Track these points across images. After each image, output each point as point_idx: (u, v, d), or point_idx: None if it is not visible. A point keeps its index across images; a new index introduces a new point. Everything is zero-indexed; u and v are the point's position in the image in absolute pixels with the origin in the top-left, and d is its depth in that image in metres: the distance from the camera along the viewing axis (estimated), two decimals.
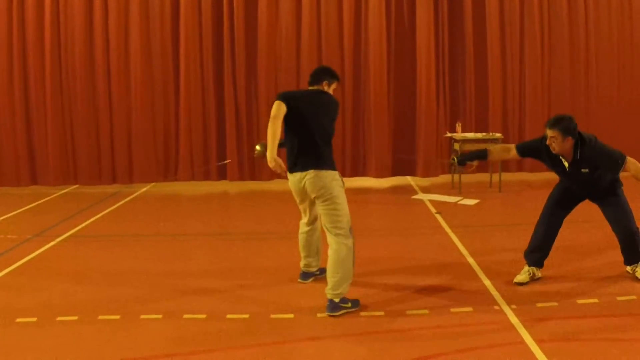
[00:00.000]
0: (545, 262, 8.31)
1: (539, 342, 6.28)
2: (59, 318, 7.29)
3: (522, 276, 8.16)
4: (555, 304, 7.39)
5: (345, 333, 6.74)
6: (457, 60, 16.64)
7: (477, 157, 8.29)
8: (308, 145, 7.54)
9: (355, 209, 13.43)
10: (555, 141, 7.62)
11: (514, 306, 7.30)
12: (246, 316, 7.27)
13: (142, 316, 7.33)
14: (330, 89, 7.91)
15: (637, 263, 8.21)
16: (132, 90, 16.30)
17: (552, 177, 15.15)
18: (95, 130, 16.38)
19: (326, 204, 7.47)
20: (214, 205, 14.71)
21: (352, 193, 14.93)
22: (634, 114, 16.70)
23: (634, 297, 7.55)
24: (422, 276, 8.48)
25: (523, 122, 16.47)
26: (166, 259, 9.76)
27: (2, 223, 12.50)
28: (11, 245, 10.69)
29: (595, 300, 7.47)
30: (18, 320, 7.27)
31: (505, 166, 15.95)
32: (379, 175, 16.52)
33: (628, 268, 8.29)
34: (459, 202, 13.54)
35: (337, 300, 7.32)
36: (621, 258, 8.39)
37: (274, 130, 7.33)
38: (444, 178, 16.39)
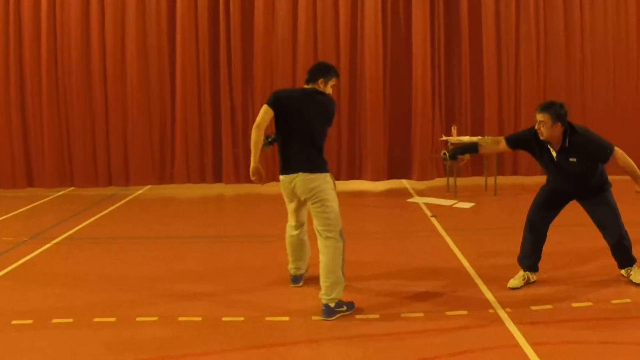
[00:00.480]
0: (540, 266, 8.32)
1: (534, 345, 6.29)
2: (55, 320, 7.29)
3: (516, 281, 8.16)
4: (550, 307, 7.41)
5: (340, 336, 6.75)
6: (453, 63, 16.67)
7: (468, 151, 8.24)
8: (298, 147, 7.55)
9: (351, 212, 13.58)
10: (544, 126, 7.60)
11: (508, 309, 7.32)
12: (241, 319, 7.28)
13: (138, 319, 7.33)
14: (328, 86, 7.80)
15: (631, 266, 8.21)
16: (128, 93, 16.30)
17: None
18: (91, 133, 16.37)
19: (316, 206, 7.50)
20: (209, 207, 14.73)
21: (347, 196, 15.00)
22: (629, 117, 16.73)
23: (628, 300, 7.57)
24: (417, 279, 8.50)
25: (518, 125, 16.45)
26: (162, 262, 9.76)
27: None
28: (7, 247, 10.69)
29: (590, 303, 7.48)
30: (14, 322, 7.28)
31: (501, 170, 15.99)
32: (375, 178, 16.53)
33: (622, 271, 8.28)
34: (455, 206, 13.56)
35: (332, 305, 7.33)
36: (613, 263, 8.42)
37: (255, 140, 7.53)
38: (440, 181, 16.41)
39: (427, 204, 13.71)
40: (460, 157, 8.23)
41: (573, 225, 10.99)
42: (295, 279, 8.44)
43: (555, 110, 7.61)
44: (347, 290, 7.61)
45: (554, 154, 7.82)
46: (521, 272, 8.25)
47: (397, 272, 8.94)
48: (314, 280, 8.31)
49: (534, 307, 7.39)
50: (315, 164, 7.51)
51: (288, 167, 7.64)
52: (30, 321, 7.29)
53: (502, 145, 8.16)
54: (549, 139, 7.73)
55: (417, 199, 14.36)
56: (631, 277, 8.16)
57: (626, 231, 8.10)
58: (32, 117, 16.30)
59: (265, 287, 8.36)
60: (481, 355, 6.21)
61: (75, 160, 16.43)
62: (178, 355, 6.36)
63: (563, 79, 16.67)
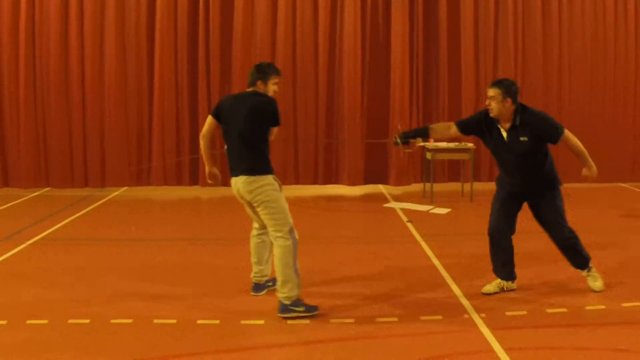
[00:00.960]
0: (516, 272, 8.32)
1: (508, 350, 6.31)
2: (29, 321, 7.25)
3: (491, 287, 8.15)
4: (524, 312, 7.44)
5: (315, 340, 6.75)
6: (431, 70, 16.75)
7: (419, 135, 8.19)
8: (238, 151, 7.65)
9: (327, 217, 13.62)
10: (495, 100, 7.59)
11: (483, 315, 7.34)
12: (217, 322, 7.27)
13: (113, 320, 7.30)
14: (269, 86, 7.82)
15: (587, 266, 8.22)
16: (105, 94, 16.25)
17: None
18: (68, 133, 16.30)
19: (261, 208, 7.58)
20: (185, 210, 14.71)
21: (324, 200, 15.02)
22: (604, 127, 16.89)
23: (602, 306, 7.62)
24: (392, 284, 8.51)
25: None
26: (137, 264, 9.73)
27: None
28: None
29: (564, 309, 7.52)
30: None
31: (477, 176, 16.05)
32: (352, 183, 16.57)
33: (583, 273, 8.27)
34: (431, 211, 13.59)
35: (287, 302, 7.40)
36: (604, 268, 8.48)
37: (202, 149, 7.99)
38: (416, 187, 16.43)
39: (403, 209, 13.73)
40: (412, 141, 8.13)
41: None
42: (257, 287, 8.27)
43: (505, 85, 7.62)
44: (323, 295, 7.63)
45: (504, 134, 7.74)
46: (498, 280, 8.22)
47: (372, 277, 8.94)
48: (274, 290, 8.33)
49: (508, 313, 7.42)
50: (256, 167, 7.56)
51: (232, 170, 7.76)
52: (4, 321, 7.24)
53: (453, 130, 8.09)
54: (499, 116, 7.68)
55: (393, 204, 14.38)
56: (589, 284, 8.19)
57: (572, 230, 8.07)
58: (9, 116, 16.22)
59: (241, 290, 8.34)
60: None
61: (52, 161, 16.36)
62: (153, 357, 6.34)
63: (540, 84, 16.79)
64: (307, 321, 7.25)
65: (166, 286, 8.48)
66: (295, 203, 14.98)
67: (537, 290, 8.25)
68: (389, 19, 16.50)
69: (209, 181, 8.10)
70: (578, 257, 8.19)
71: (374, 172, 16.75)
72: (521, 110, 7.70)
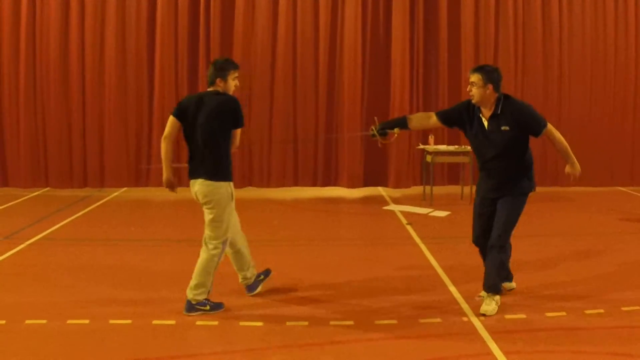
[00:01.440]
0: (514, 275, 8.31)
1: (507, 354, 6.31)
2: (28, 321, 7.25)
3: (490, 307, 7.64)
4: (524, 316, 7.43)
5: (313, 342, 6.74)
6: (431, 73, 16.75)
7: (397, 125, 8.05)
8: (199, 153, 7.58)
9: (326, 219, 13.62)
10: (475, 86, 7.52)
11: (482, 318, 7.34)
12: (215, 323, 7.27)
13: (111, 321, 7.30)
14: (229, 82, 7.64)
15: (491, 295, 7.63)
16: (105, 95, 16.26)
17: None
18: (67, 133, 16.32)
19: (207, 212, 7.59)
20: (183, 211, 14.68)
21: (323, 203, 15.02)
22: (603, 130, 16.91)
23: (601, 310, 7.60)
24: (391, 286, 8.50)
25: None
26: (136, 264, 9.73)
27: None
28: None
29: (564, 313, 7.51)
30: None
31: (477, 179, 16.03)
32: (351, 185, 16.57)
33: (482, 293, 7.75)
34: (430, 214, 13.59)
35: (193, 302, 7.52)
36: (591, 272, 8.44)
37: (164, 152, 7.73)
38: (416, 189, 16.44)
39: (402, 212, 13.73)
40: (389, 132, 8.05)
41: (545, 236, 11.10)
42: (248, 288, 8.26)
43: (487, 71, 7.56)
44: (322, 297, 7.64)
45: (485, 123, 7.62)
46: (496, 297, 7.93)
47: (371, 279, 8.94)
48: (283, 290, 8.34)
49: (507, 316, 7.42)
50: (215, 172, 7.52)
51: (191, 173, 7.71)
52: (3, 321, 7.23)
53: (433, 120, 8.00)
54: (480, 103, 7.59)
55: (392, 207, 14.38)
56: (481, 308, 7.55)
57: (507, 244, 7.76)
58: (9, 116, 16.24)
59: (238, 292, 8.33)
60: None
61: (51, 161, 16.38)
62: (151, 357, 6.34)
63: (540, 90, 16.80)
64: (305, 323, 7.25)
65: (165, 287, 8.47)
66: (294, 205, 15.00)
67: (536, 294, 8.24)
68: (389, 19, 16.51)
69: (166, 187, 7.92)
70: (491, 277, 7.65)
71: (374, 175, 16.76)
72: (504, 99, 7.60)
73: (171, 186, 7.84)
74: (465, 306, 7.77)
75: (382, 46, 16.62)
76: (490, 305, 7.57)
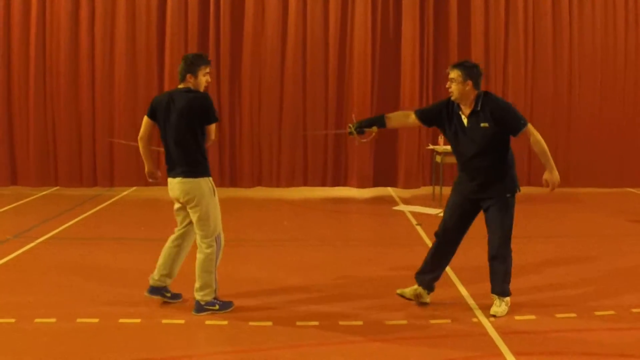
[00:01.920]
0: (524, 276, 8.30)
1: (517, 354, 6.30)
2: (38, 320, 7.26)
3: (408, 291, 7.82)
4: (533, 317, 7.41)
5: (323, 342, 6.73)
6: (441, 73, 16.64)
7: (375, 123, 7.96)
8: (174, 151, 7.56)
9: (335, 219, 13.61)
10: (455, 82, 7.45)
11: (492, 319, 7.32)
12: (225, 323, 7.27)
13: (121, 320, 7.31)
14: (199, 77, 7.63)
15: (503, 297, 7.63)
16: (115, 94, 16.27)
17: (534, 192, 15.15)
18: (77, 132, 16.34)
19: (193, 211, 7.56)
20: None
21: (332, 203, 15.02)
22: (614, 132, 16.84)
23: (611, 312, 7.58)
24: (401, 287, 8.47)
25: None
26: (145, 264, 9.69)
27: None
28: None
29: (574, 314, 7.49)
30: None
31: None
32: (360, 185, 16.56)
33: (494, 296, 7.69)
34: (440, 214, 13.50)
35: (202, 303, 7.53)
36: (601, 274, 8.41)
37: (141, 151, 7.80)
38: (426, 190, 16.42)
39: (412, 212, 13.71)
40: (367, 130, 7.96)
41: (555, 237, 11.07)
42: (152, 290, 7.90)
43: (466, 67, 7.50)
44: (331, 297, 7.62)
45: (465, 120, 7.54)
46: (416, 286, 7.89)
47: (381, 279, 8.93)
48: (293, 290, 8.33)
49: (517, 317, 7.40)
50: (192, 169, 7.49)
51: (168, 171, 7.68)
52: (13, 320, 7.25)
53: (412, 118, 7.95)
54: (460, 100, 7.52)
55: (402, 207, 14.37)
56: (492, 309, 7.56)
57: (508, 252, 7.66)
58: (19, 115, 16.27)
59: (249, 292, 8.34)
60: None
61: (61, 160, 16.39)
62: (161, 357, 6.35)
63: (550, 91, 16.73)
64: (315, 323, 7.25)
65: (174, 286, 8.46)
66: (304, 205, 14.99)
67: (546, 295, 8.22)
68: (399, 19, 16.49)
69: (149, 180, 8.02)
70: (498, 282, 7.65)
71: (383, 175, 16.73)
72: (484, 95, 7.53)
73: (154, 177, 7.94)
74: (475, 306, 7.75)
75: (392, 46, 16.59)
76: (500, 306, 7.55)
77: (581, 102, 16.85)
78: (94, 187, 16.43)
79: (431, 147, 15.53)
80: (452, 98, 7.55)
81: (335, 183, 16.74)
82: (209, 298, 7.52)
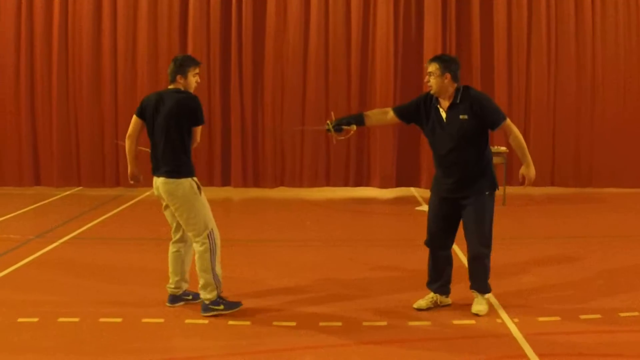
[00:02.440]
0: (548, 277, 8.26)
1: (541, 356, 6.26)
2: (60, 319, 7.28)
3: (424, 302, 7.77)
4: (558, 318, 7.36)
5: (346, 343, 6.72)
6: (463, 72, 16.51)
7: (354, 121, 7.81)
8: (160, 151, 7.57)
9: (358, 219, 13.60)
10: (433, 76, 7.38)
11: (516, 320, 7.28)
12: (248, 323, 7.26)
13: (144, 320, 7.33)
14: (189, 78, 7.67)
15: (482, 294, 7.69)
16: (138, 94, 16.25)
17: (556, 192, 15.10)
18: (99, 133, 16.40)
19: (179, 212, 7.56)
20: (216, 211, 14.59)
21: (355, 203, 15.01)
22: (638, 131, 16.66)
23: (636, 313, 7.51)
24: (424, 288, 8.41)
25: (528, 134, 16.37)
26: (167, 264, 9.72)
27: (4, 223, 12.50)
28: (13, 245, 10.69)
29: (598, 316, 7.44)
30: (19, 320, 7.27)
31: (510, 180, 15.91)
32: (383, 185, 16.51)
33: (475, 293, 7.74)
34: None
35: (207, 302, 7.48)
36: (624, 275, 8.35)
37: (127, 150, 7.84)
38: None
39: None
40: (345, 128, 7.80)
41: (577, 237, 11.02)
42: (171, 298, 7.90)
43: (444, 60, 7.47)
44: (355, 297, 7.64)
45: (443, 114, 7.47)
46: (431, 294, 7.86)
47: (404, 280, 8.90)
48: (315, 290, 8.32)
49: (541, 318, 7.35)
50: (175, 169, 7.49)
51: (153, 170, 7.70)
52: (36, 319, 7.28)
53: (390, 115, 7.85)
54: (439, 93, 7.45)
55: (425, 208, 14.28)
56: (473, 308, 7.60)
57: (488, 250, 7.63)
58: (42, 116, 16.37)
59: (272, 292, 8.34)
60: None
61: (83, 160, 16.46)
62: (184, 357, 6.37)
63: (573, 88, 16.59)
64: (339, 323, 7.23)
65: (195, 287, 8.46)
66: (327, 205, 14.99)
67: (570, 297, 8.16)
68: (421, 23, 16.43)
69: (131, 182, 8.07)
70: (478, 280, 7.68)
71: (406, 175, 16.67)
72: (463, 89, 7.48)
73: (136, 180, 7.99)
74: (499, 307, 7.70)
75: (414, 44, 16.53)
76: (482, 304, 7.60)
77: (604, 101, 16.71)
78: (116, 187, 16.47)
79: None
80: (431, 92, 7.50)
81: (358, 183, 16.70)
82: (211, 296, 7.46)
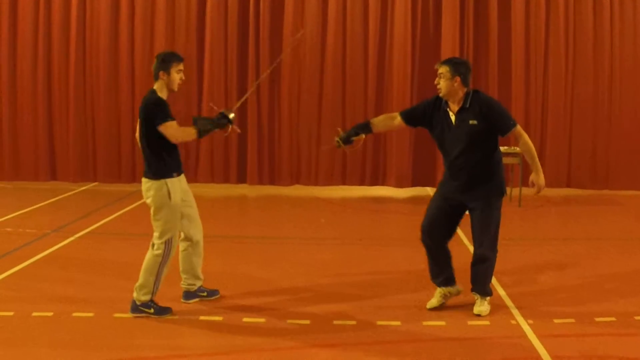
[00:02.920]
0: (563, 278, 8.24)
1: (555, 358, 6.26)
2: (75, 314, 7.32)
3: (435, 299, 7.79)
4: (572, 320, 7.34)
5: (360, 342, 6.72)
6: (481, 73, 16.59)
7: (361, 130, 7.86)
8: (143, 152, 7.56)
9: (373, 218, 13.58)
10: (443, 78, 7.38)
11: (530, 321, 7.26)
12: (262, 320, 7.27)
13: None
14: (172, 74, 7.67)
15: (484, 297, 7.69)
16: None
17: (572, 194, 15.03)
18: (116, 129, 16.42)
19: (151, 212, 7.50)
20: (231, 208, 14.75)
21: (371, 202, 15.00)
22: None
23: None
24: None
25: (545, 136, 16.35)
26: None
27: (21, 217, 12.55)
28: (29, 239, 10.73)
29: (613, 318, 7.41)
30: (34, 314, 7.31)
31: (526, 181, 15.84)
32: (399, 185, 16.47)
33: (476, 296, 7.75)
34: None
35: (137, 303, 7.40)
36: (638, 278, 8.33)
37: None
38: None
39: None
40: (355, 139, 7.85)
41: (593, 240, 10.99)
42: (187, 295, 7.93)
43: (454, 63, 7.44)
44: (369, 296, 7.64)
45: (452, 118, 7.47)
46: (438, 290, 7.85)
47: (418, 279, 8.86)
48: (329, 288, 8.32)
49: (556, 320, 7.33)
50: (150, 170, 7.46)
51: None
52: (50, 313, 7.31)
53: (398, 120, 7.90)
54: (448, 96, 7.45)
55: None
56: (474, 308, 7.62)
57: (493, 253, 7.66)
58: (58, 111, 16.39)
59: (287, 290, 8.34)
60: None
61: (100, 156, 16.49)
62: (197, 354, 6.37)
63: (591, 93, 16.49)
64: (353, 322, 7.24)
65: (212, 283, 8.46)
66: (342, 204, 14.98)
67: (586, 298, 8.14)
68: (439, 26, 16.36)
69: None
70: (480, 282, 7.70)
71: (422, 175, 16.62)
72: (473, 93, 7.47)
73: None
74: (513, 309, 7.69)
75: (432, 44, 16.48)
76: (483, 305, 7.61)
77: (622, 103, 16.61)
78: (132, 183, 16.48)
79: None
80: (441, 94, 7.51)
81: (374, 182, 16.66)
82: (144, 299, 7.39)
